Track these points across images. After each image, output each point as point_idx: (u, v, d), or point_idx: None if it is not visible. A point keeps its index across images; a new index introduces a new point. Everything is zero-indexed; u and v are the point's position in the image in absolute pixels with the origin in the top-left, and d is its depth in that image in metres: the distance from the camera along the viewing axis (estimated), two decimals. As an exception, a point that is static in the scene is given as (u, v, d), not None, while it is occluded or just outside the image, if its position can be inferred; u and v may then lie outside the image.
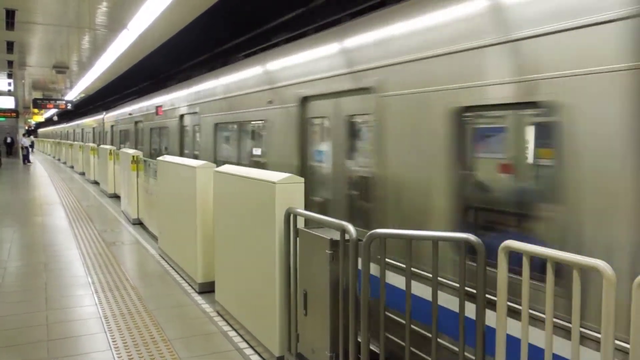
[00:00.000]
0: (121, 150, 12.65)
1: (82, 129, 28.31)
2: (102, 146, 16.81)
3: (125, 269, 6.91)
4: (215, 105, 7.84)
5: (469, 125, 3.20)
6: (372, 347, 3.24)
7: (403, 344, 3.11)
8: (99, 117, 22.84)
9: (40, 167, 27.18)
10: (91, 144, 19.99)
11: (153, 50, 12.35)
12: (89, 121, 25.93)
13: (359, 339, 3.11)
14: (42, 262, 7.26)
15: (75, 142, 26.34)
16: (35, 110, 33.64)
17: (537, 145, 2.86)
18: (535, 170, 2.89)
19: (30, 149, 31.66)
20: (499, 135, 3.13)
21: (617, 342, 2.15)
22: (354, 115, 4.46)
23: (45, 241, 8.64)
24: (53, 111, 32.98)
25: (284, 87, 5.52)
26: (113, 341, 4.54)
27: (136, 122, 14.62)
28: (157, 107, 11.64)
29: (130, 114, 15.48)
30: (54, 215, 11.34)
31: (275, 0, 8.11)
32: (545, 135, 2.71)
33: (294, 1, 7.95)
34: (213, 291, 5.54)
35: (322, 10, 7.63)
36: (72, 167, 26.29)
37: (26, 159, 30.32)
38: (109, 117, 20.04)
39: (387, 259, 3.50)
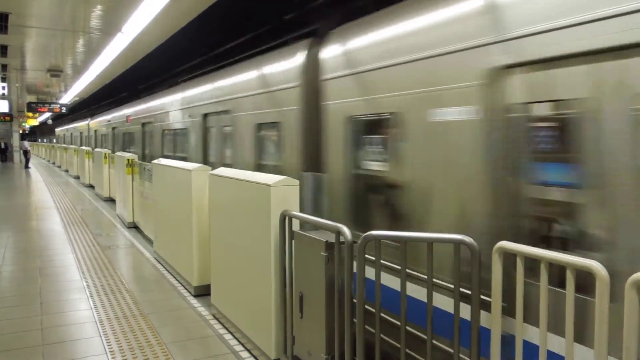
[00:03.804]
0: (116, 153, 12.60)
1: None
2: (96, 150, 16.74)
3: (121, 272, 6.89)
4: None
5: None
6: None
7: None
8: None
9: (35, 171, 27.06)
10: (86, 148, 19.91)
11: (148, 53, 12.33)
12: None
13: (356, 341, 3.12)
14: (37, 266, 7.22)
15: (71, 146, 26.22)
16: (30, 114, 33.52)
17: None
18: None
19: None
20: None
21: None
22: None
23: (40, 246, 8.60)
24: (47, 114, 32.85)
25: None
26: (108, 345, 4.53)
27: (207, 115, 8.05)
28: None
29: (186, 105, 9.15)
30: (48, 220, 11.29)
31: (271, 2, 8.12)
32: None
33: (288, 4, 7.96)
34: (209, 294, 5.53)
35: (318, 13, 7.64)
36: (66, 170, 26.20)
37: (27, 163, 30.13)
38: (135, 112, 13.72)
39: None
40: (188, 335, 4.79)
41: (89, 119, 24.42)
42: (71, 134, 32.22)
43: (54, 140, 49.39)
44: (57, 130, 42.43)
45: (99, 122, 21.18)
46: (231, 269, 4.87)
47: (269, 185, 3.97)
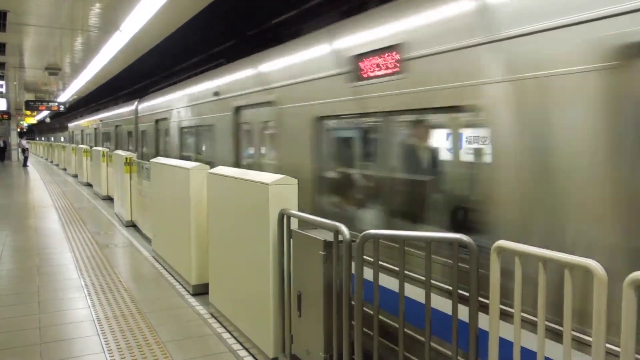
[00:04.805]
0: (114, 152, 12.55)
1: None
2: (95, 148, 16.70)
3: (119, 271, 6.88)
4: None
5: None
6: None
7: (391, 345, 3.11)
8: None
9: (33, 170, 27.02)
10: (84, 146, 19.84)
11: (146, 51, 12.30)
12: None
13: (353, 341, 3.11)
14: (34, 265, 7.21)
15: (69, 144, 26.11)
16: (28, 112, 33.43)
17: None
18: None
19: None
20: None
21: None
22: None
23: (38, 244, 8.59)
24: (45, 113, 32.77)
25: None
26: (106, 344, 4.52)
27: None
28: None
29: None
30: (46, 218, 11.28)
31: (269, 1, 8.11)
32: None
33: (287, 3, 7.96)
34: (207, 293, 5.52)
35: (316, 12, 7.64)
36: (64, 169, 26.14)
37: (26, 162, 30.08)
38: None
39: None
40: (186, 334, 4.79)
41: (137, 102, 13.46)
42: (94, 129, 20.98)
43: (61, 139, 36.85)
44: (71, 125, 30.30)
45: (170, 103, 10.05)
46: (229, 267, 4.87)
47: (267, 184, 3.96)
